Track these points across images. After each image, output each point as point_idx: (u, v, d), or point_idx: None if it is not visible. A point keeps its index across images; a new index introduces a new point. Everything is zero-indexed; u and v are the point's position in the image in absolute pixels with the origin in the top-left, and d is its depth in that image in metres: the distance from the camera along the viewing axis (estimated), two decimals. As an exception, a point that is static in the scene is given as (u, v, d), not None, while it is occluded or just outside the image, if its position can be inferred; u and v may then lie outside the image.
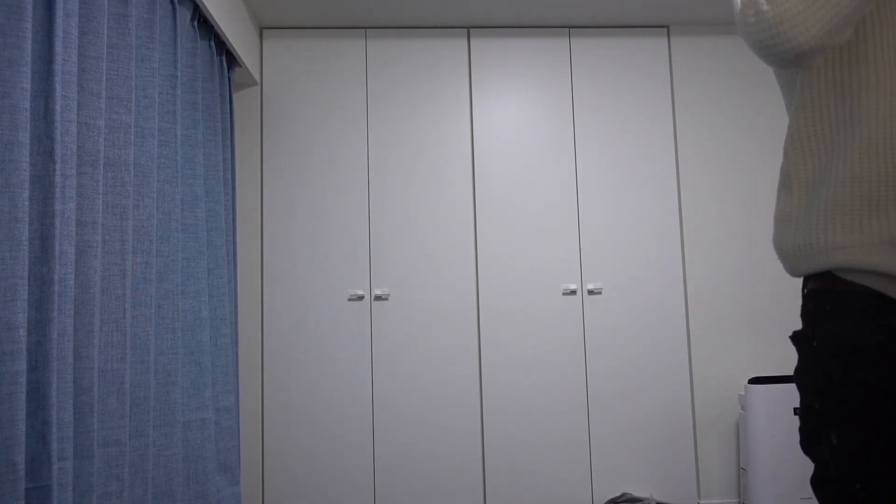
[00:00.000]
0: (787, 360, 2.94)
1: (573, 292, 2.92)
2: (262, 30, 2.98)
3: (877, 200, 0.78)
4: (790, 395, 2.70)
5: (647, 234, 2.97)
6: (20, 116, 1.34)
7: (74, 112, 1.53)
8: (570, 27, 3.06)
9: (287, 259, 2.87)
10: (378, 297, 2.87)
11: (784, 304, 2.97)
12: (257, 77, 2.92)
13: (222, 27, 2.44)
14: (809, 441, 0.82)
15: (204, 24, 2.38)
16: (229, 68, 2.66)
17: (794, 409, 2.68)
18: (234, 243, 2.60)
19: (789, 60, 0.77)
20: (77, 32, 1.57)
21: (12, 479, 1.27)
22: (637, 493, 2.84)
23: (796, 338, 0.87)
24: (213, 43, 2.45)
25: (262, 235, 2.89)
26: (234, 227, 2.61)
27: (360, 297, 2.87)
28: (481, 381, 2.87)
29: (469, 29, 3.03)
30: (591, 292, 2.93)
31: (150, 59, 1.93)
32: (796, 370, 0.86)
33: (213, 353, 2.33)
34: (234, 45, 2.59)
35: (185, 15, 2.22)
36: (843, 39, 0.76)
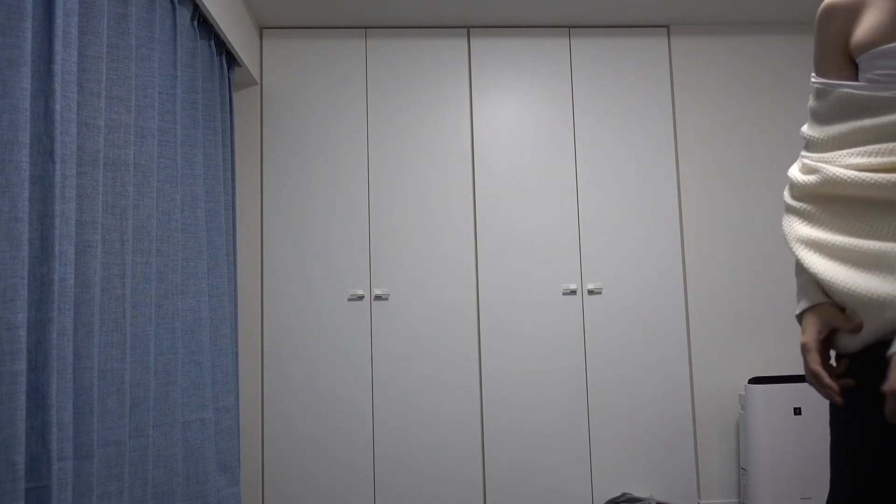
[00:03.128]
0: (787, 360, 2.94)
1: (573, 292, 2.92)
2: (262, 30, 2.98)
3: None
4: (790, 395, 2.70)
5: (646, 234, 2.97)
6: (20, 116, 1.34)
7: (74, 112, 1.53)
8: (570, 27, 3.06)
9: (287, 259, 2.87)
10: (378, 297, 2.87)
11: (784, 304, 2.97)
12: (257, 77, 2.91)
13: (222, 27, 2.44)
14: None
15: (204, 23, 2.38)
16: (229, 68, 2.66)
17: (795, 409, 2.69)
18: (234, 243, 2.60)
19: None
20: (77, 32, 1.56)
21: (12, 479, 1.27)
22: (637, 493, 2.84)
23: None
24: (212, 43, 2.45)
25: (262, 235, 2.88)
26: (234, 227, 2.61)
27: (360, 297, 2.87)
28: (481, 381, 2.86)
29: (469, 29, 3.03)
30: (591, 292, 2.93)
31: (149, 58, 1.93)
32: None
33: (213, 353, 2.33)
34: (234, 45, 2.59)
35: (184, 15, 2.21)
36: None
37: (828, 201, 0.92)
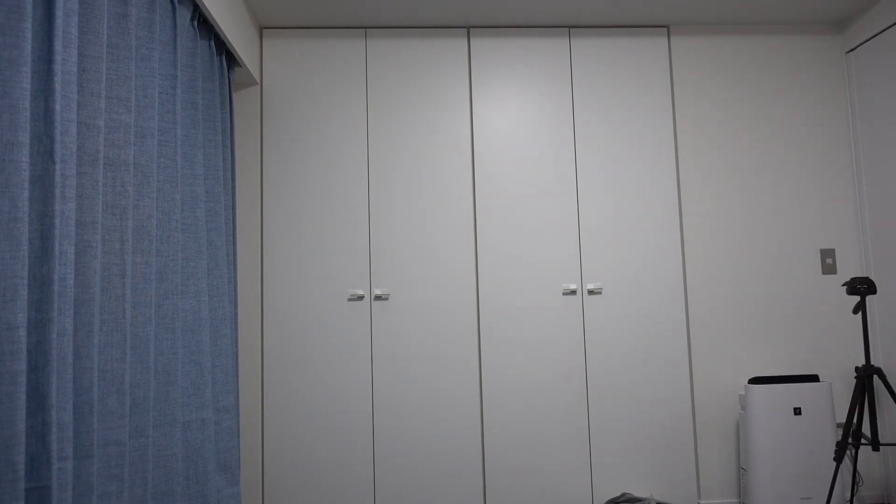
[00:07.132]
0: (787, 360, 2.94)
1: (573, 292, 2.92)
2: (262, 30, 2.98)
3: None
4: (790, 395, 2.70)
5: (646, 234, 2.97)
6: (20, 116, 1.34)
7: (74, 112, 1.53)
8: (570, 27, 3.06)
9: (287, 259, 2.87)
10: (378, 297, 2.87)
11: (784, 304, 2.97)
12: (257, 77, 2.91)
13: (222, 27, 2.44)
14: None
15: (204, 23, 2.38)
16: (229, 68, 2.66)
17: (795, 409, 2.69)
18: (234, 243, 2.60)
19: None
20: (77, 32, 1.56)
21: (12, 479, 1.27)
22: (637, 493, 2.84)
23: None
24: (212, 43, 2.45)
25: (262, 235, 2.89)
26: (234, 227, 2.61)
27: (360, 297, 2.87)
28: (481, 381, 2.87)
29: (469, 29, 3.03)
30: (591, 292, 2.93)
31: (149, 58, 1.93)
32: None
33: (213, 353, 2.33)
34: (234, 45, 2.59)
35: (184, 15, 2.22)
36: None
37: None
